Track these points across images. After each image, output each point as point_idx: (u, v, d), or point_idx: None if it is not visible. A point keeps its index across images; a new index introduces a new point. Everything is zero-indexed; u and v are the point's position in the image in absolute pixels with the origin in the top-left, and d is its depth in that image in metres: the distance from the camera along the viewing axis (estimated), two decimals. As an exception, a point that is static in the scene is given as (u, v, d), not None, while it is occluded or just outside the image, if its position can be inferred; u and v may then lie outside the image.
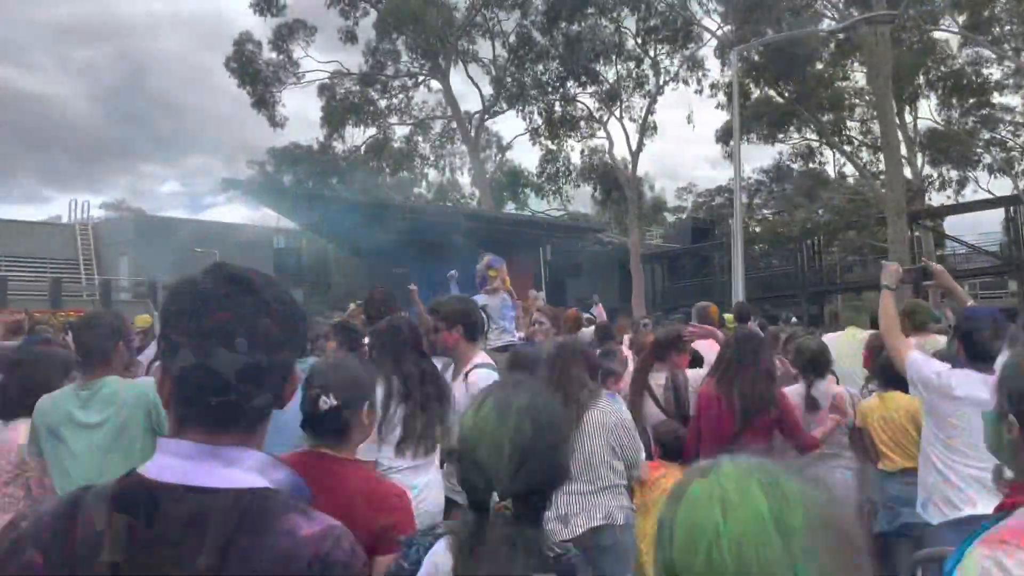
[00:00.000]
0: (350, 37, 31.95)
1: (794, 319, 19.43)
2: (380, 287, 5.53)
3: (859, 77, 34.26)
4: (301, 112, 52.12)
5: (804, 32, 24.06)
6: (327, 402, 2.33)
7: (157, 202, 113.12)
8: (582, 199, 44.39)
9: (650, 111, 33.94)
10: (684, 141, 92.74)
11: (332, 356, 6.21)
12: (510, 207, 37.31)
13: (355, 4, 31.32)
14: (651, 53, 33.76)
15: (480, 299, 5.46)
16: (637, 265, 32.42)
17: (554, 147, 36.72)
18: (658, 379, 4.67)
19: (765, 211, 48.26)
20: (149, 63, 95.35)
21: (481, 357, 4.04)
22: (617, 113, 34.14)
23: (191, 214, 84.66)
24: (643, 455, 3.76)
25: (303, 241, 34.03)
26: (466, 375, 3.80)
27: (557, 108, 35.13)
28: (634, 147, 33.78)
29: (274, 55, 30.73)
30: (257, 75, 30.16)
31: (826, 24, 28.81)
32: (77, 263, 33.71)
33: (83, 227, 35.24)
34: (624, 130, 33.89)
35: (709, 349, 5.25)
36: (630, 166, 34.92)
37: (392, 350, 3.51)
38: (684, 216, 56.56)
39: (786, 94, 30.29)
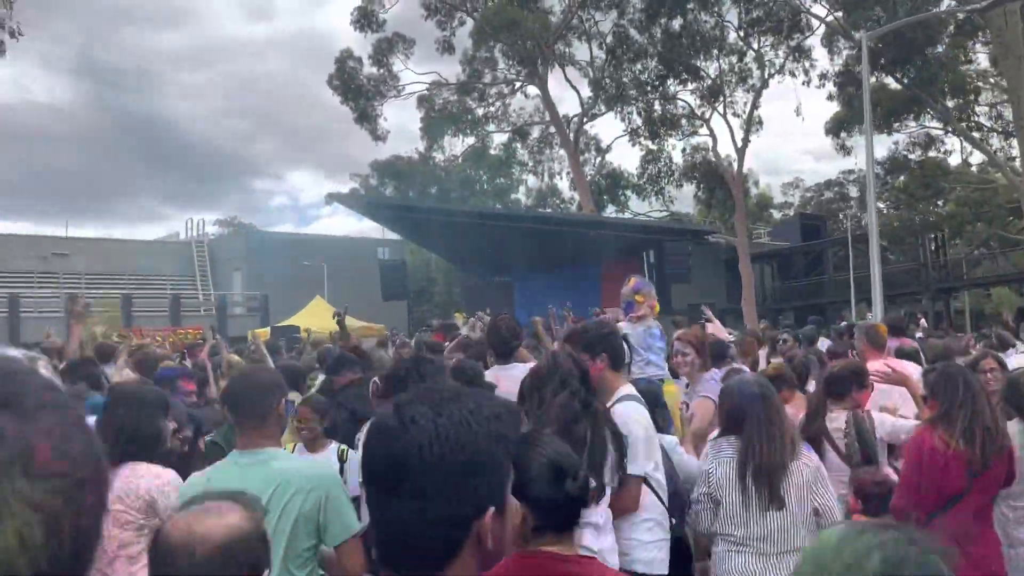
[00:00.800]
0: (447, 47, 32.14)
1: (922, 320, 18.08)
2: (504, 315, 5.15)
3: (981, 59, 32.12)
4: (401, 124, 53.01)
5: (927, 15, 22.45)
6: (576, 485, 1.84)
7: (266, 217, 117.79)
8: (684, 199, 43.31)
9: (755, 105, 32.72)
10: (787, 135, 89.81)
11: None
12: (610, 210, 36.71)
13: (451, 14, 31.48)
14: (755, 46, 32.56)
15: (623, 328, 4.94)
16: (746, 265, 31.23)
17: (655, 147, 35.93)
18: (833, 421, 4.04)
19: (879, 204, 45.97)
20: (256, 84, 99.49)
21: (627, 388, 3.60)
22: (720, 109, 33.05)
23: (297, 228, 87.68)
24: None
25: (406, 252, 34.43)
26: (609, 408, 3.38)
27: (657, 107, 34.35)
28: (739, 143, 32.64)
29: (374, 70, 31.22)
30: (359, 90, 30.69)
31: (945, 5, 27.05)
32: (194, 279, 35.16)
33: (199, 244, 36.75)
34: (728, 126, 32.75)
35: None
36: (735, 163, 33.78)
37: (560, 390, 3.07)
38: (791, 213, 54.58)
39: (905, 80, 28.48)
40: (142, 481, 2.76)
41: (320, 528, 2.51)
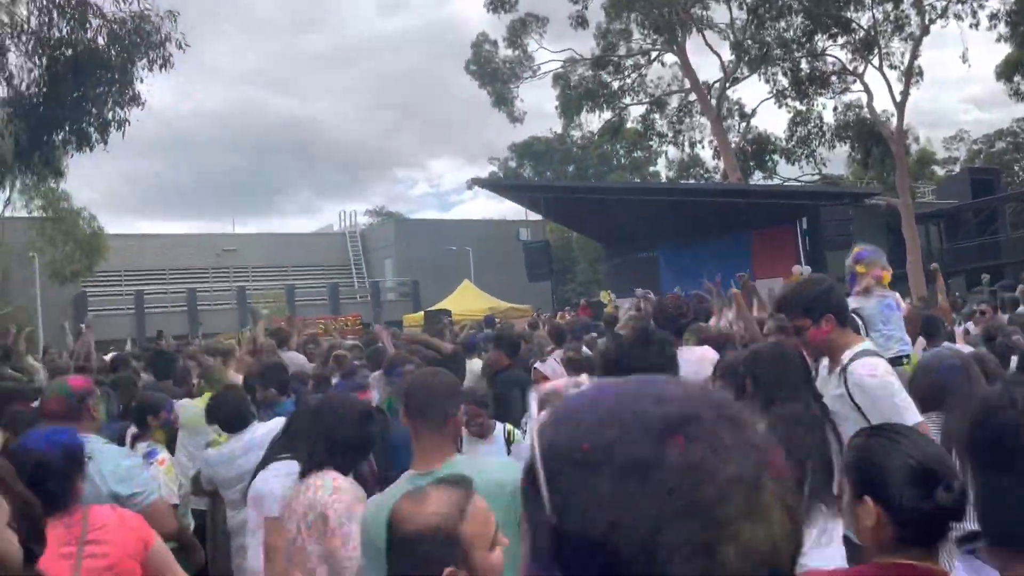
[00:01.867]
0: (580, 22, 31.71)
1: None
2: (673, 293, 4.98)
3: None
4: (537, 105, 53.34)
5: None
6: (949, 495, 1.62)
7: (411, 205, 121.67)
8: (837, 161, 40.93)
9: (915, 55, 30.31)
10: (944, 85, 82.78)
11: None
12: (757, 177, 35.22)
13: (583, -13, 31.03)
14: (913, -11, 30.12)
15: (851, 303, 4.45)
16: (911, 227, 29.10)
17: (803, 108, 34.08)
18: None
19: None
20: (395, 78, 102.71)
21: (863, 343, 3.23)
22: (875, 62, 30.85)
23: (440, 214, 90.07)
24: None
25: (547, 231, 34.53)
26: (844, 368, 3.02)
27: (804, 66, 32.52)
28: (897, 97, 30.37)
29: (510, 52, 31.31)
30: (495, 73, 30.89)
31: None
32: (349, 268, 36.84)
33: (352, 234, 38.43)
34: (885, 79, 30.53)
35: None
36: (893, 118, 31.49)
37: (785, 386, 2.85)
38: (956, 168, 50.45)
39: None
40: (321, 495, 2.72)
41: (516, 536, 2.44)
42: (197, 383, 6.27)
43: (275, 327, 8.75)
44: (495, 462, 2.85)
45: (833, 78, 33.11)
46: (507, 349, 5.44)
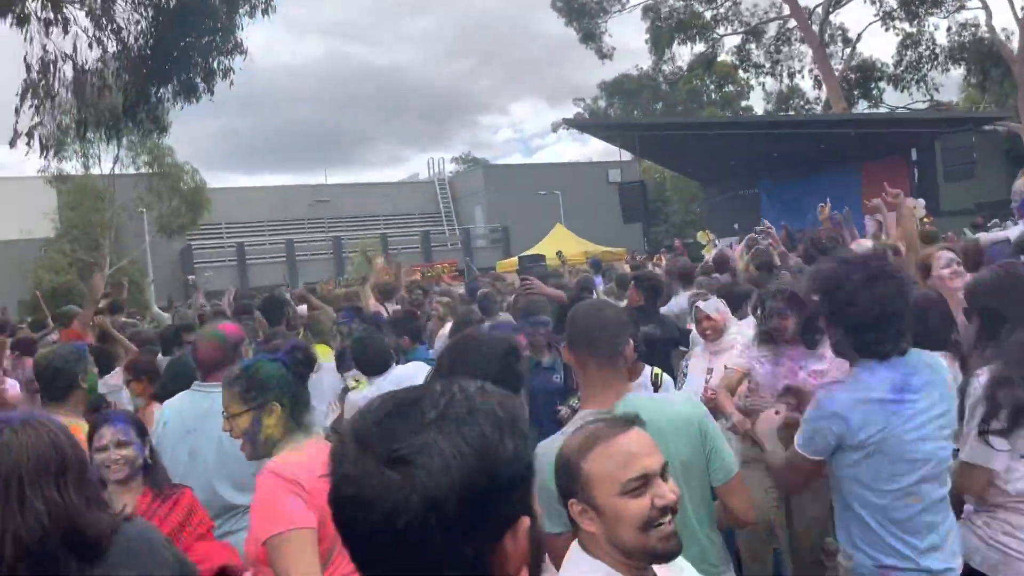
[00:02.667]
0: (671, -51, 30.43)
1: None
2: (825, 228, 4.58)
3: None
4: (623, 42, 51.55)
5: None
6: None
7: (495, 151, 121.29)
8: (949, 87, 38.28)
9: (1041, -36, 27.76)
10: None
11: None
12: (862, 106, 33.30)
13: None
14: None
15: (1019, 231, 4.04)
16: (1035, 154, 27.11)
17: (913, 29, 31.88)
18: None
19: None
20: (475, 23, 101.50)
21: None
22: (997, -25, 28.47)
23: (525, 159, 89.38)
24: None
25: (638, 172, 33.69)
26: None
27: (914, -17, 30.32)
28: (1020, 13, 27.99)
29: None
30: (582, 9, 29.97)
31: None
32: (439, 216, 36.96)
33: (441, 182, 38.46)
34: (1008, -6, 28.14)
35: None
36: (1014, 37, 29.10)
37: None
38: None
39: None
40: None
41: (704, 472, 2.24)
42: (302, 332, 6.24)
43: (384, 281, 8.68)
44: (680, 397, 2.59)
45: (947, -4, 30.83)
46: (646, 290, 5.14)
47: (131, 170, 25.96)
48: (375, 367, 4.01)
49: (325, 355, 4.96)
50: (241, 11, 8.20)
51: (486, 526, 0.88)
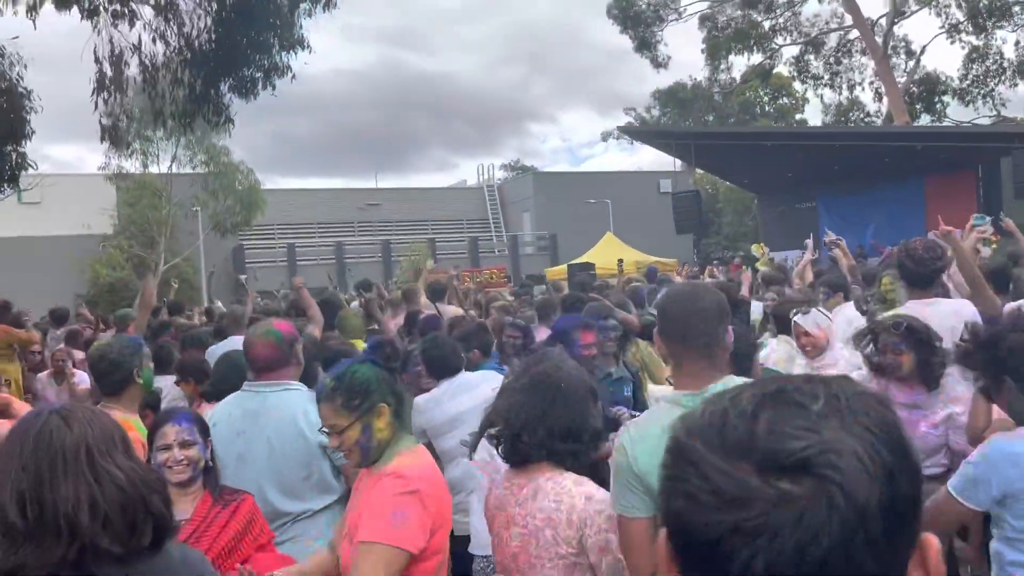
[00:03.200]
0: (730, -42, 30.02)
1: None
2: (921, 238, 4.28)
3: None
4: (676, 51, 51.07)
5: None
6: None
7: (544, 159, 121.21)
8: (1017, 103, 37.11)
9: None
10: None
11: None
12: (925, 120, 32.39)
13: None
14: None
15: None
16: (1109, 174, 26.04)
17: (980, 43, 30.92)
18: None
19: None
20: (527, 32, 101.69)
21: None
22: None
23: (572, 167, 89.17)
24: None
25: (691, 182, 33.22)
26: None
27: (983, -6, 29.41)
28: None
29: (654, -7, 30.01)
30: (638, 17, 29.70)
31: None
32: (487, 222, 36.90)
33: (490, 188, 38.40)
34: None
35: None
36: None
37: None
38: None
39: None
40: (576, 501, 2.06)
41: None
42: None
43: (433, 280, 8.55)
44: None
45: (1016, 8, 29.81)
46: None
47: (188, 169, 26.38)
48: (447, 369, 3.80)
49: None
50: (303, 6, 8.15)
51: (909, 544, 0.65)
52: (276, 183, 45.63)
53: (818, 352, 4.12)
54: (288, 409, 2.94)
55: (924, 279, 3.88)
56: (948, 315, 3.70)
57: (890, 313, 3.77)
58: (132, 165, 24.25)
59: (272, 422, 2.93)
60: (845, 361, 4.05)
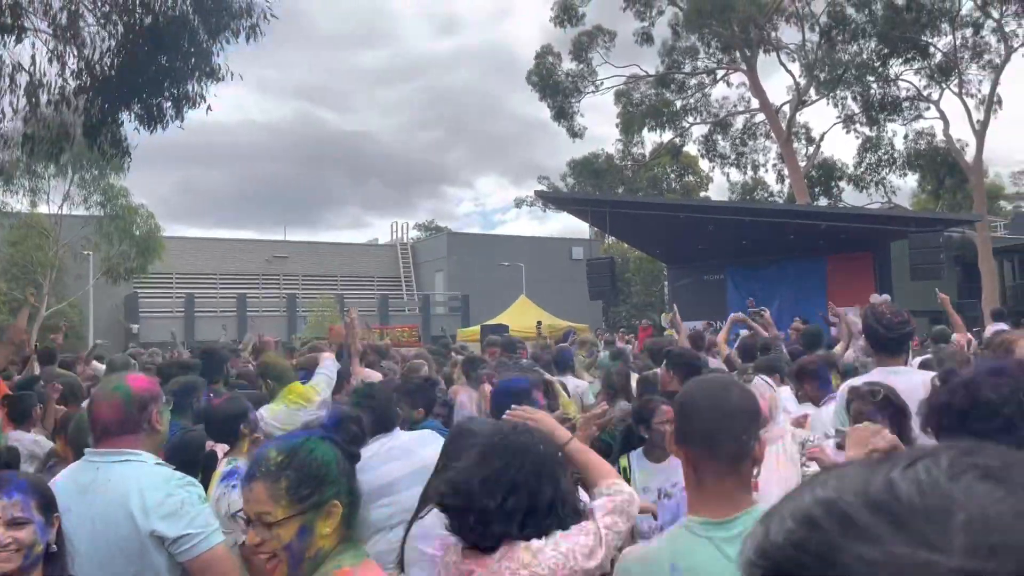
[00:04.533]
0: (646, 39, 31.10)
1: None
2: (885, 300, 4.11)
3: None
4: (592, 122, 52.75)
5: None
6: None
7: (457, 222, 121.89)
8: (904, 191, 39.62)
9: (995, 83, 29.06)
10: (1006, 120, 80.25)
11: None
12: (822, 203, 34.05)
13: (650, 3, 30.41)
14: (995, 15, 28.90)
15: None
16: (988, 260, 27.76)
17: (873, 134, 32.93)
18: None
19: None
20: (447, 95, 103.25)
21: None
22: (955, 88, 29.67)
23: (484, 231, 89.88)
24: None
25: (600, 250, 33.67)
26: None
27: (875, 90, 31.43)
28: (977, 126, 29.13)
29: (573, 65, 30.72)
30: (557, 87, 30.30)
31: None
32: (399, 280, 36.34)
33: (403, 246, 37.97)
34: (965, 106, 29.35)
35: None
36: (968, 147, 30.26)
37: None
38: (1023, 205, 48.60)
39: None
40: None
41: None
42: (266, 384, 5.57)
43: (369, 343, 7.99)
44: None
45: (906, 104, 31.98)
46: (682, 369, 4.53)
47: (81, 210, 24.87)
48: (381, 424, 3.25)
49: (306, 395, 4.33)
50: (223, 33, 7.60)
51: None
52: (180, 233, 43.85)
53: (765, 422, 3.85)
54: (121, 486, 2.33)
55: (893, 344, 3.67)
56: (917, 386, 3.49)
57: (861, 380, 3.53)
58: (18, 203, 22.69)
59: (99, 500, 2.30)
60: (791, 434, 3.81)
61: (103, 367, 8.79)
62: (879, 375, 3.53)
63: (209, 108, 7.89)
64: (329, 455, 1.73)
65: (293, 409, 4.10)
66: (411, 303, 34.88)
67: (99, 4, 7.44)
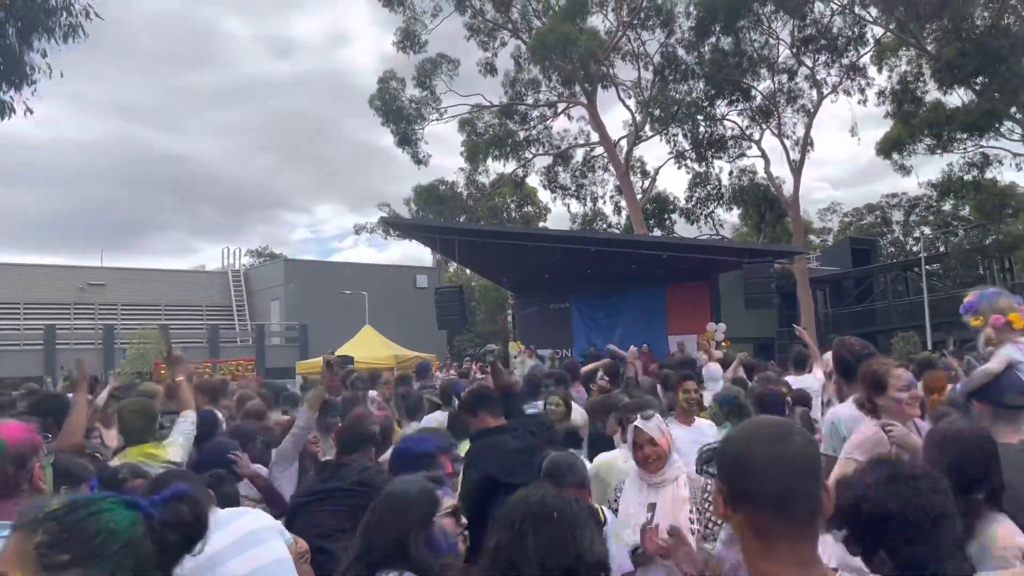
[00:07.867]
0: (489, 69, 31.39)
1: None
2: (852, 336, 4.02)
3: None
4: (436, 150, 52.11)
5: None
6: None
7: (293, 249, 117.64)
8: (730, 224, 42.14)
9: (809, 126, 31.59)
10: (814, 161, 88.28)
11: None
12: (657, 235, 35.53)
13: (493, 35, 30.73)
14: (808, 63, 31.49)
15: (1011, 352, 3.66)
16: (806, 290, 29.90)
17: (702, 170, 34.84)
18: None
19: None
20: (282, 119, 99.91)
21: None
22: (774, 129, 31.96)
23: (321, 256, 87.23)
24: None
25: (444, 279, 33.33)
26: None
27: (704, 129, 33.31)
28: (793, 164, 31.49)
29: (417, 91, 30.38)
30: (400, 112, 29.82)
31: None
32: (231, 309, 34.16)
33: (235, 273, 35.80)
34: (784, 146, 31.64)
35: None
36: (786, 184, 32.67)
37: None
38: (829, 239, 53.14)
39: (988, 93, 26.91)
40: None
41: None
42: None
43: (202, 380, 7.05)
44: None
45: (731, 142, 34.09)
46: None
47: None
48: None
49: (162, 455, 3.82)
50: (39, 34, 6.49)
51: None
52: (-27, 255, 39.25)
53: (661, 465, 3.52)
54: None
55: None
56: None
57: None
58: None
59: None
60: (686, 476, 3.51)
61: None
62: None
63: (29, 111, 6.72)
64: (121, 525, 1.25)
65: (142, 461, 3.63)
66: (244, 334, 32.87)
67: None
